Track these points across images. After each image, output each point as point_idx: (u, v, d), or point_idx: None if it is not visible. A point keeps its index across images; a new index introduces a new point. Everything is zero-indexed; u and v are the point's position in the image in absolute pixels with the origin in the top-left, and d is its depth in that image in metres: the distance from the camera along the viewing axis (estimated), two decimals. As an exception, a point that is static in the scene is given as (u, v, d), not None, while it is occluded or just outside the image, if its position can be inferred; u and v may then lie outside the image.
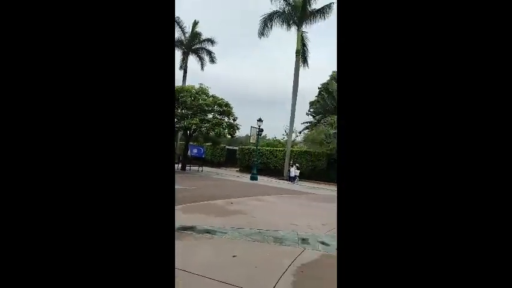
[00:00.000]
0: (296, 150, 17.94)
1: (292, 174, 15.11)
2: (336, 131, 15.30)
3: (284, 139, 24.61)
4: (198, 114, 14.06)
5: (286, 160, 16.47)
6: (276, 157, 18.03)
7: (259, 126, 14.90)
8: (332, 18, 17.29)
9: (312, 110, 24.77)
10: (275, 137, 25.76)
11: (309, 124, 24.48)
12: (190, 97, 14.12)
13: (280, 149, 19.29)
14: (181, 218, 4.23)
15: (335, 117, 16.56)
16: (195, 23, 22.09)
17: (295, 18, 17.06)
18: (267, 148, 19.76)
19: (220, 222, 4.35)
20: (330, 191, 12.15)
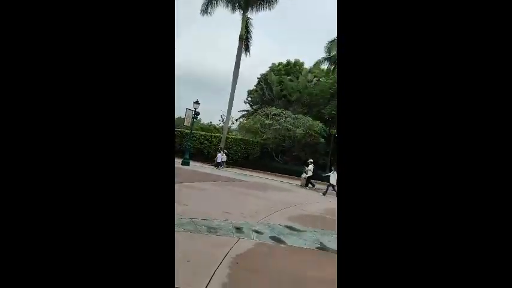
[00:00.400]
0: (231, 137, 17.93)
1: (219, 159, 15.11)
2: (271, 121, 15.89)
3: (220, 125, 24.32)
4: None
5: (222, 146, 16.29)
6: (210, 143, 17.66)
7: (195, 108, 14.18)
8: (278, 9, 17.51)
9: (249, 99, 25.05)
10: (211, 122, 25.21)
11: (245, 112, 24.75)
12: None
13: (216, 134, 18.96)
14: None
15: (272, 108, 17.15)
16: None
17: (241, 2, 16.63)
18: (202, 133, 19.14)
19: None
20: (262, 178, 12.63)
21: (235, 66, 16.86)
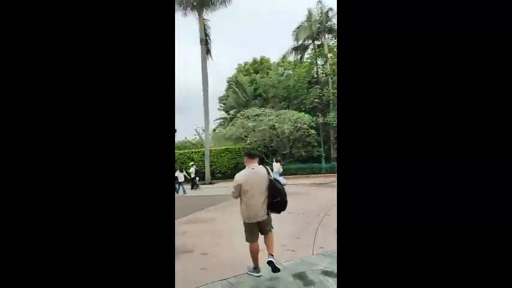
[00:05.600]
0: (215, 149, 16.40)
1: (182, 179, 10.92)
2: (254, 123, 14.65)
3: (196, 139, 22.57)
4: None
5: (206, 162, 14.70)
6: (193, 160, 15.95)
7: (170, 126, 12.49)
8: (235, 5, 16.42)
9: (222, 105, 23.64)
10: (186, 138, 23.32)
11: (222, 120, 23.27)
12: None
13: (196, 150, 17.30)
14: None
15: (253, 109, 15.93)
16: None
17: (195, 3, 15.27)
18: (182, 152, 17.34)
19: None
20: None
21: (202, 73, 15.40)
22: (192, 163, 13.73)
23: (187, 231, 4.59)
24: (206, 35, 16.21)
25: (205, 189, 11.65)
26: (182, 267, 2.97)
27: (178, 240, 4.00)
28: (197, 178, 12.37)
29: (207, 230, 4.63)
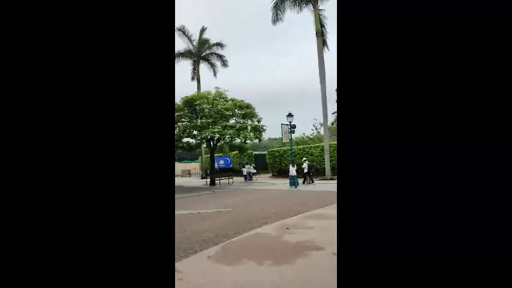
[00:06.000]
0: (335, 144, 15.67)
1: (294, 173, 10.97)
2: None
3: (313, 134, 22.40)
4: (219, 121, 12.45)
5: (326, 156, 14.26)
6: (311, 155, 15.89)
7: (290, 122, 12.94)
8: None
9: (340, 97, 22.30)
10: (303, 134, 23.59)
11: (340, 113, 21.99)
12: (208, 104, 12.56)
13: (315, 145, 17.12)
14: (219, 275, 2.51)
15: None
16: (203, 30, 20.86)
17: (309, -4, 15.04)
18: (300, 147, 17.66)
19: (289, 280, 2.45)
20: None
21: (319, 64, 15.00)
22: (304, 158, 13.65)
23: (314, 226, 4.48)
24: (322, 26, 15.65)
25: (326, 185, 11.30)
26: (316, 265, 2.86)
27: (307, 235, 3.95)
28: (310, 173, 12.16)
29: (333, 227, 4.36)
